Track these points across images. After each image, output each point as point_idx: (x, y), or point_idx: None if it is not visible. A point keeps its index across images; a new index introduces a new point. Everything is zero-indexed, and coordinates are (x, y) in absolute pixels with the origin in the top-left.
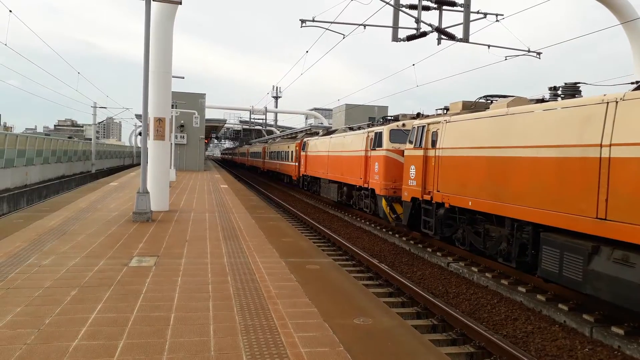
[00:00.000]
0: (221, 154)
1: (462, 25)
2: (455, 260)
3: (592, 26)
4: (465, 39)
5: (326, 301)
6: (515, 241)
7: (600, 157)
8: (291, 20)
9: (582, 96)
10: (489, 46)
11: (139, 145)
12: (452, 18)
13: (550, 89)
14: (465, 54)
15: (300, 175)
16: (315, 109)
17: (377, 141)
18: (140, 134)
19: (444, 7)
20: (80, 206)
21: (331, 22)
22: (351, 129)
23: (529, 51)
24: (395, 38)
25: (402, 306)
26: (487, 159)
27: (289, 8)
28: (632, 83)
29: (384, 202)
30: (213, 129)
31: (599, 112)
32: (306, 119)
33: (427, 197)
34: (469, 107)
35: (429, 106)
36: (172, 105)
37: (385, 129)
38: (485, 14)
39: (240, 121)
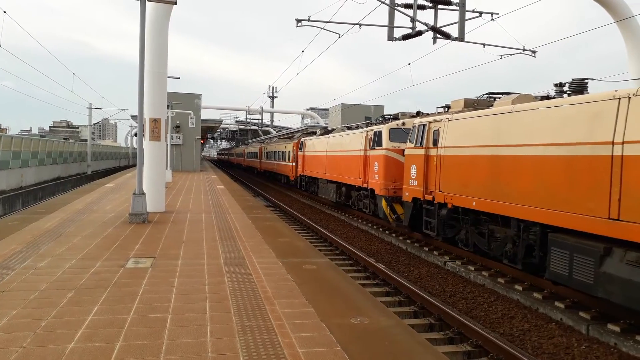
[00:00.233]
0: (217, 154)
1: (457, 24)
2: (452, 259)
3: (588, 25)
4: (461, 38)
5: (323, 301)
6: (521, 242)
7: (612, 156)
8: (287, 19)
9: (588, 92)
10: (484, 45)
11: (135, 146)
12: (447, 17)
13: (556, 85)
14: (460, 53)
15: (298, 175)
16: (312, 109)
17: (376, 140)
18: (136, 134)
19: (440, 6)
20: (76, 208)
21: (327, 22)
22: (349, 128)
23: (524, 50)
24: (391, 37)
25: (399, 305)
26: (491, 157)
27: (285, 7)
28: None
29: (384, 203)
30: (209, 130)
31: (610, 108)
32: (302, 118)
33: (429, 198)
34: (471, 104)
35: (424, 105)
36: (168, 106)
37: (384, 128)
38: (481, 13)
39: (237, 121)
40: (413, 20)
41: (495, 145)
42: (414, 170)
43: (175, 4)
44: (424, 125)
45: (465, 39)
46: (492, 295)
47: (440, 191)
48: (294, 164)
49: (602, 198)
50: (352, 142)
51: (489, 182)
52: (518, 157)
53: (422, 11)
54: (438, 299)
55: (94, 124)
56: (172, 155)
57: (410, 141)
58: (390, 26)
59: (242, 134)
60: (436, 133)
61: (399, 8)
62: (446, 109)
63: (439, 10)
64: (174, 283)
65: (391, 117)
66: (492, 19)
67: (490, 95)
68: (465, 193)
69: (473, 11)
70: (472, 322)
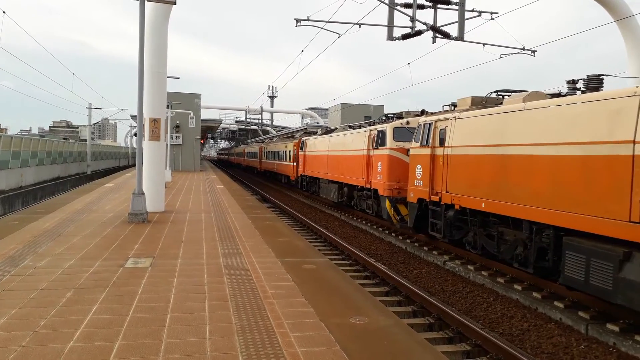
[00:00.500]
0: (217, 154)
1: (457, 24)
2: (452, 258)
3: (587, 25)
4: (460, 38)
5: (322, 301)
6: (533, 245)
7: (634, 155)
8: (286, 19)
9: (604, 89)
10: (483, 44)
11: (135, 146)
12: (447, 16)
13: (568, 82)
14: (460, 52)
15: (299, 175)
16: (311, 109)
17: (379, 140)
18: (135, 134)
19: (439, 6)
20: (75, 207)
21: (326, 22)
22: (352, 127)
23: (523, 49)
24: (391, 37)
25: (398, 305)
26: (502, 157)
27: (284, 7)
28: None
29: (387, 203)
30: (209, 129)
31: (630, 105)
32: (302, 118)
33: (435, 198)
34: (479, 103)
35: (424, 105)
36: (168, 106)
37: (388, 127)
38: (480, 12)
39: (236, 121)
40: (413, 19)
41: (507, 145)
42: (419, 171)
43: (175, 4)
44: (430, 124)
45: (465, 39)
46: (491, 294)
47: (447, 192)
48: (295, 163)
49: (622, 200)
50: (355, 141)
51: (500, 182)
52: (531, 156)
53: (421, 11)
54: (437, 298)
55: (94, 123)
56: (171, 155)
57: (415, 140)
58: (390, 26)
59: (242, 133)
60: (443, 132)
61: (398, 7)
62: (452, 108)
63: (438, 10)
64: (173, 283)
65: (395, 116)
66: (492, 19)
67: (499, 93)
68: (474, 194)
69: (472, 10)
70: (471, 322)
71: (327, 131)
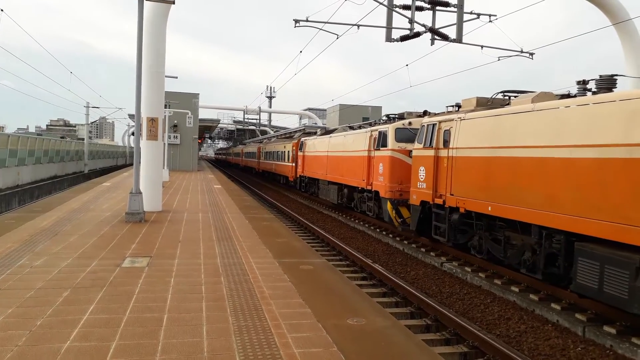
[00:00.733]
0: (215, 154)
1: (455, 26)
2: (449, 260)
3: (587, 28)
4: (459, 40)
5: (320, 301)
6: (542, 251)
7: None
8: (285, 20)
9: (617, 89)
10: (482, 47)
11: (132, 145)
12: (445, 18)
13: (578, 82)
14: (458, 54)
15: (297, 176)
16: (309, 109)
17: (381, 140)
18: (133, 134)
19: (438, 8)
20: (72, 207)
21: (325, 22)
22: (352, 128)
23: (521, 52)
24: (389, 38)
25: (395, 306)
26: (510, 159)
27: (283, 8)
28: None
29: (389, 206)
30: (206, 129)
31: None
32: (300, 119)
33: (438, 201)
34: (484, 103)
35: (422, 106)
36: (165, 105)
37: (390, 128)
38: (479, 15)
39: (234, 121)
40: (411, 21)
41: (516, 147)
42: (422, 173)
43: (173, 3)
44: (434, 125)
45: (463, 41)
46: (488, 296)
47: (452, 194)
48: (294, 164)
49: None
50: (356, 142)
51: (508, 185)
52: (541, 159)
53: (420, 12)
54: (435, 300)
55: (91, 122)
56: (169, 154)
57: (418, 142)
58: (389, 27)
59: (240, 133)
60: (447, 133)
61: (397, 9)
62: (457, 108)
63: (437, 12)
64: (170, 282)
65: (396, 116)
66: (490, 21)
67: (505, 94)
68: (480, 197)
69: (471, 13)
70: (468, 324)
71: (327, 132)
